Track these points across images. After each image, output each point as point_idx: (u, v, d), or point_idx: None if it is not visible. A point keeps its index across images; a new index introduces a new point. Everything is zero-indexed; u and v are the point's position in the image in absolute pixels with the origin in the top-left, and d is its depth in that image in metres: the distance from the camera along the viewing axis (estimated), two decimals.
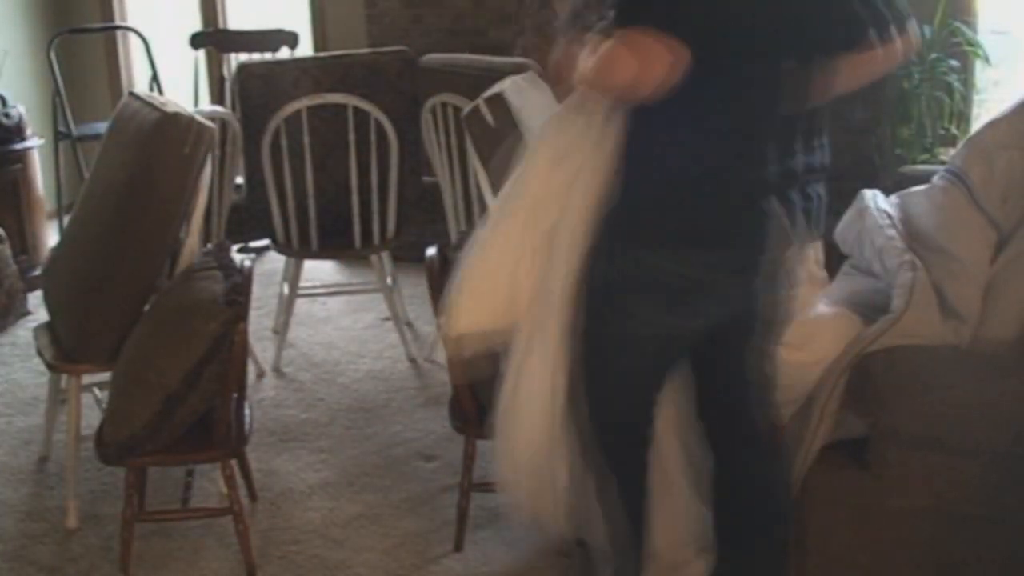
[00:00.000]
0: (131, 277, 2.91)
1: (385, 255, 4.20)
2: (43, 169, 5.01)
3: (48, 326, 3.14)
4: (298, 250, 4.02)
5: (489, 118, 2.77)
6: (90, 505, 3.09)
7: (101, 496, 3.15)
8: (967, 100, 4.53)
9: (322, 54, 4.98)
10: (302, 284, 4.20)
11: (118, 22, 5.91)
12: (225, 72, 5.32)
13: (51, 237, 5.04)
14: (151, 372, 2.61)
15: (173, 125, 2.88)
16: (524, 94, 2.99)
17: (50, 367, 3.05)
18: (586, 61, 1.88)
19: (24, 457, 3.43)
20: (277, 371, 4.06)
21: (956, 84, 4.41)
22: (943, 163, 3.42)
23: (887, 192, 2.95)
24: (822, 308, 2.59)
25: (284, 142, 3.86)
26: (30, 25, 5.45)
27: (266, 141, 3.85)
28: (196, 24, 5.86)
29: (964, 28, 4.39)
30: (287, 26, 5.36)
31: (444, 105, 3.77)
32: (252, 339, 3.31)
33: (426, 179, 4.24)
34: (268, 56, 5.23)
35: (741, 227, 1.98)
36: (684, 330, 2.08)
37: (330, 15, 5.61)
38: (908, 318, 2.41)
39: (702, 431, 2.30)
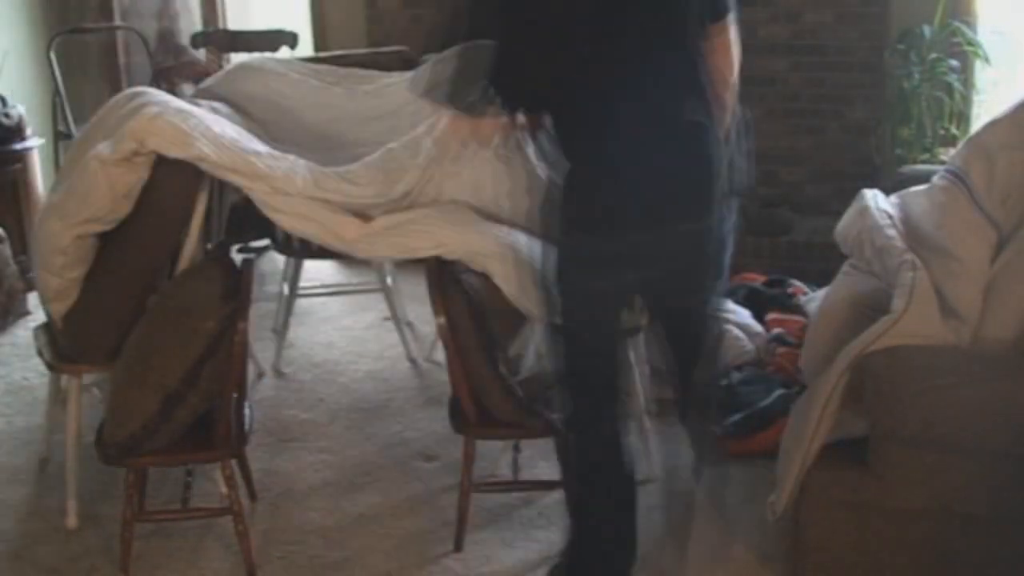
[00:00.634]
0: (131, 277, 2.91)
1: None
2: (43, 169, 5.01)
3: (48, 326, 3.14)
4: (298, 250, 4.01)
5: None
6: (90, 505, 3.09)
7: (101, 496, 3.14)
8: (967, 100, 4.54)
9: (322, 54, 4.97)
10: (302, 284, 4.20)
11: (118, 22, 5.90)
12: None
13: None
14: (151, 372, 2.61)
15: None
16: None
17: (50, 367, 3.05)
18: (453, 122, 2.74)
19: (24, 457, 3.42)
20: (277, 371, 4.06)
21: (956, 84, 4.41)
22: (943, 163, 3.41)
23: (887, 192, 2.95)
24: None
25: None
26: (30, 25, 5.44)
27: None
28: (196, 24, 5.86)
29: (964, 28, 4.39)
30: (287, 26, 5.35)
31: None
32: (252, 339, 3.30)
33: None
34: (268, 56, 5.22)
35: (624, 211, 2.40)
36: (621, 281, 2.54)
37: (330, 15, 5.61)
38: (908, 318, 2.41)
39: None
